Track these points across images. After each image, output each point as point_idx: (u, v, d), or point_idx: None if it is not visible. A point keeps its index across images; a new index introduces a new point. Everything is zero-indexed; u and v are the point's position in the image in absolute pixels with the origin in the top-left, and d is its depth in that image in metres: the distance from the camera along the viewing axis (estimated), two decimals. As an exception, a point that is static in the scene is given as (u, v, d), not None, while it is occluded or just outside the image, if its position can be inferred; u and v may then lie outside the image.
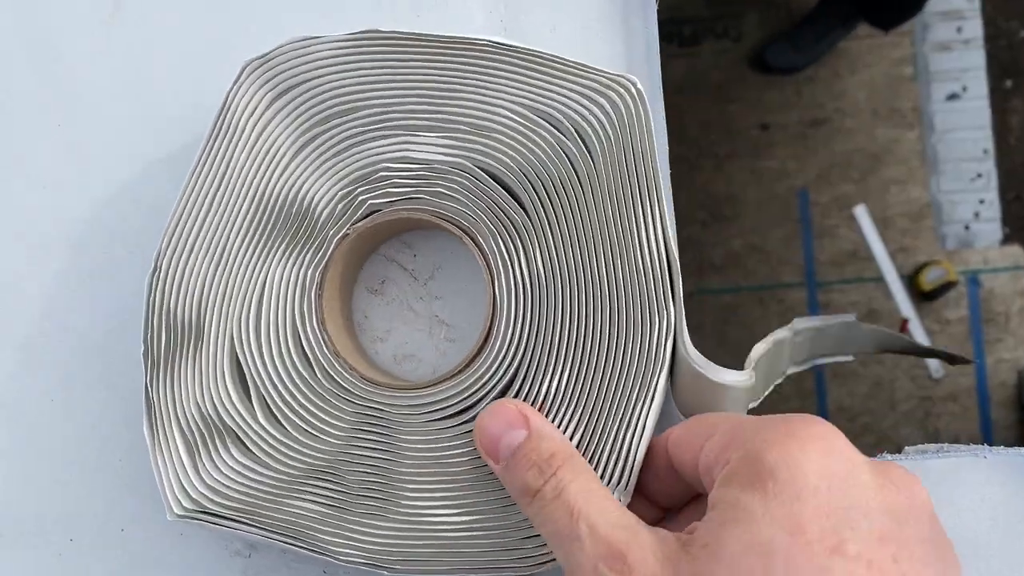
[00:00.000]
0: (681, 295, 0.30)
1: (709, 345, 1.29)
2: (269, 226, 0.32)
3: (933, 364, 1.31)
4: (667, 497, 0.29)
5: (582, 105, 0.30)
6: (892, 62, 1.36)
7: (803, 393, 1.34)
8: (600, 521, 0.24)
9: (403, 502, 0.31)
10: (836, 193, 1.36)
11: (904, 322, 1.32)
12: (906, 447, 0.32)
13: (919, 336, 1.32)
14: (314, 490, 0.31)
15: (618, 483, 0.30)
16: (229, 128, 0.32)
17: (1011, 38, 1.36)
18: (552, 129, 0.31)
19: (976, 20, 1.35)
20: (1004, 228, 1.34)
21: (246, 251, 0.32)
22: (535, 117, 0.31)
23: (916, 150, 1.36)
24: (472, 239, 0.31)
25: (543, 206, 0.31)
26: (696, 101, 1.37)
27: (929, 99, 1.35)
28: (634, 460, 0.30)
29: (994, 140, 1.34)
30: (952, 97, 1.35)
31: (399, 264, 0.34)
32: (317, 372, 0.31)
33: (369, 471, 0.31)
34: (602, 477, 0.30)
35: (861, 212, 1.35)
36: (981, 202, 1.34)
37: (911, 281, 1.33)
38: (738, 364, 0.30)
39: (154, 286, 0.32)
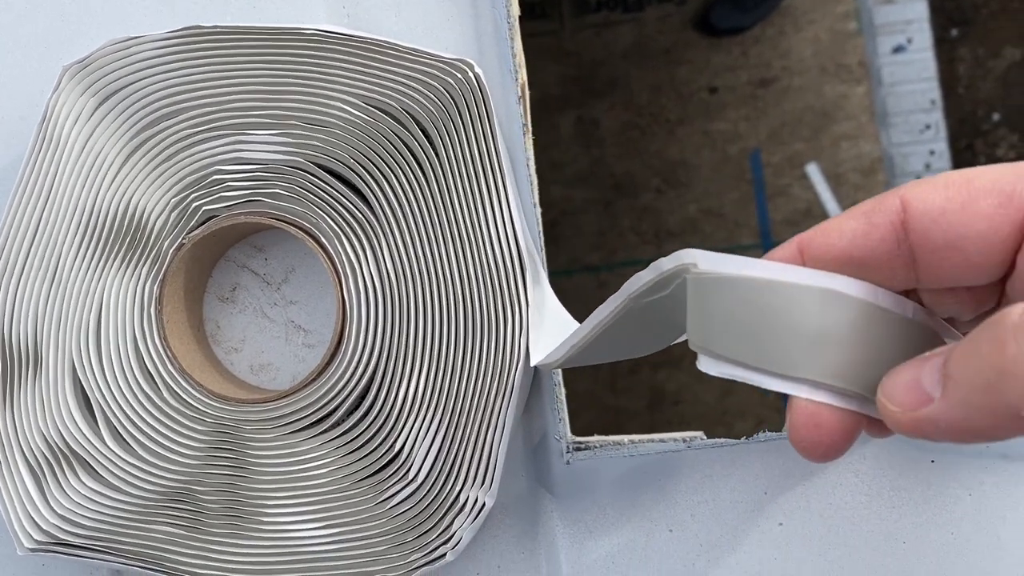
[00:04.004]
0: (545, 280, 0.29)
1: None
2: (102, 241, 0.30)
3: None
4: None
5: (419, 93, 0.29)
6: (836, 17, 1.35)
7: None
8: None
9: (264, 519, 0.30)
10: (788, 152, 1.36)
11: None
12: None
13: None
14: (171, 512, 0.30)
15: (482, 484, 0.29)
16: (52, 139, 0.30)
17: (954, -14, 1.35)
18: (389, 119, 0.29)
19: (918, -30, 1.33)
20: (955, 178, 1.34)
21: (80, 269, 0.30)
22: (371, 108, 0.29)
23: (865, 105, 1.35)
24: (316, 241, 0.30)
25: (388, 203, 0.29)
26: (644, 67, 1.35)
27: (875, 53, 1.34)
28: (496, 459, 0.29)
29: (941, 91, 1.34)
30: (898, 50, 1.33)
31: (250, 269, 0.32)
32: (163, 391, 0.30)
33: (224, 489, 0.30)
34: (465, 479, 0.29)
35: (813, 170, 1.35)
36: (931, 153, 1.33)
37: (866, 236, 1.32)
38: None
39: (-15, 311, 0.30)
